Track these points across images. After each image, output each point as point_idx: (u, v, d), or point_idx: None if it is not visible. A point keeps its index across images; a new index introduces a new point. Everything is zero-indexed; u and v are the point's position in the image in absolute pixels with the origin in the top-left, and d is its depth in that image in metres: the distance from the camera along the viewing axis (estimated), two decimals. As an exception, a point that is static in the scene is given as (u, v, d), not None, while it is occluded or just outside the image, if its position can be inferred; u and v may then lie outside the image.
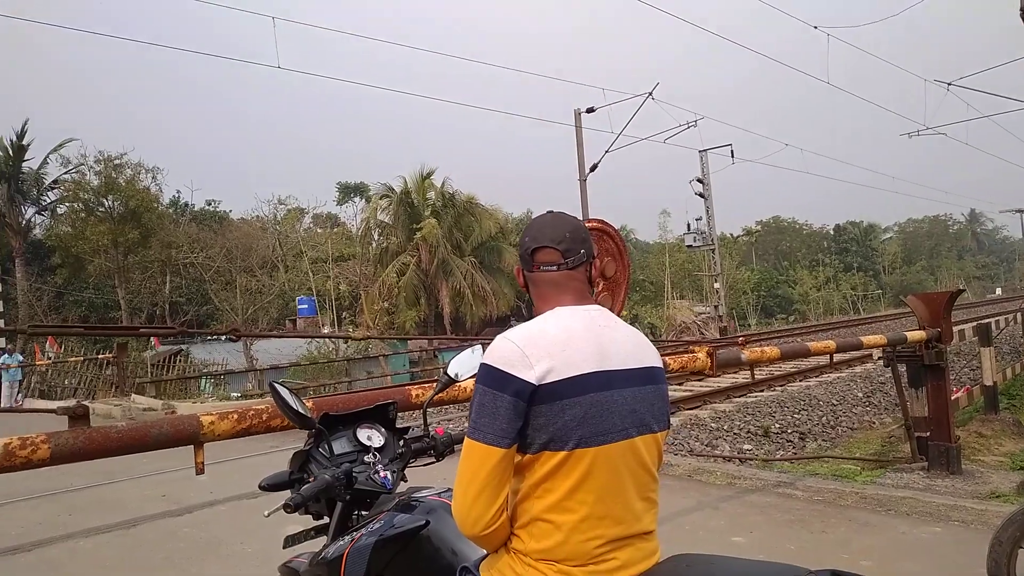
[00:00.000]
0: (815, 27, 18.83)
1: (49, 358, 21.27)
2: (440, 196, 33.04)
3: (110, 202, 28.06)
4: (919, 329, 6.55)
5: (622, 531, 1.54)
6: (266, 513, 1.82)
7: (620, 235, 4.82)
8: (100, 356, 20.32)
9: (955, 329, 8.92)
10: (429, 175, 33.10)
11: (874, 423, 10.62)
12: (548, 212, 1.79)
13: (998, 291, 63.88)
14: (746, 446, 8.94)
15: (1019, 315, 13.57)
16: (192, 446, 2.50)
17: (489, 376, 1.52)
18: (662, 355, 5.59)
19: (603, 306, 1.75)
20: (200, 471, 2.45)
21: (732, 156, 27.96)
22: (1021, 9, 14.23)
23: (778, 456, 8.39)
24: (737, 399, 11.83)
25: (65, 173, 30.16)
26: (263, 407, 2.60)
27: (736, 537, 4.74)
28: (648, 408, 1.60)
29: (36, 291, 29.40)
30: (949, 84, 19.90)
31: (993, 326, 11.32)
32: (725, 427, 9.76)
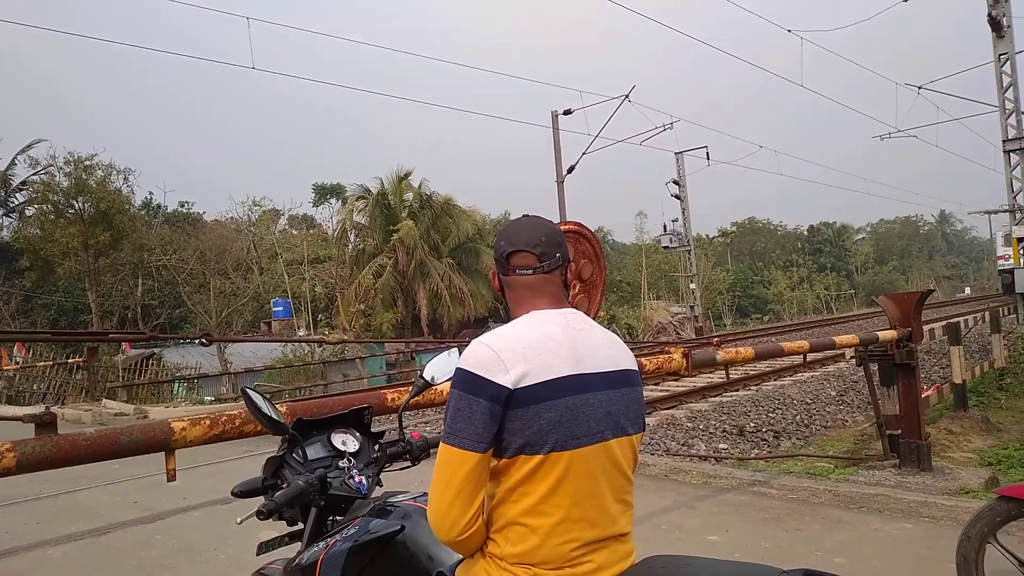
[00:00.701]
0: (789, 31, 19.10)
1: (16, 363, 20.85)
2: (417, 197, 32.89)
3: (80, 204, 27.55)
4: (890, 329, 6.65)
5: (597, 534, 1.54)
6: (239, 520, 1.80)
7: (596, 237, 4.84)
8: (70, 360, 19.95)
9: (925, 328, 9.07)
10: (406, 176, 32.96)
11: (847, 421, 10.77)
12: (524, 216, 1.79)
13: (967, 290, 65.10)
14: (721, 445, 9.01)
15: (987, 314, 13.84)
16: (163, 452, 2.46)
17: (464, 381, 1.52)
18: (638, 356, 5.61)
19: (579, 308, 1.75)
20: (172, 478, 2.41)
21: (708, 158, 28.23)
22: (988, 15, 14.54)
23: (753, 455, 8.47)
24: (712, 398, 11.93)
25: (34, 174, 29.55)
26: (236, 412, 2.57)
27: (712, 536, 4.78)
28: (623, 411, 1.61)
29: (4, 294, 28.82)
30: (920, 87, 20.28)
31: (962, 325, 11.53)
32: (701, 426, 9.83)
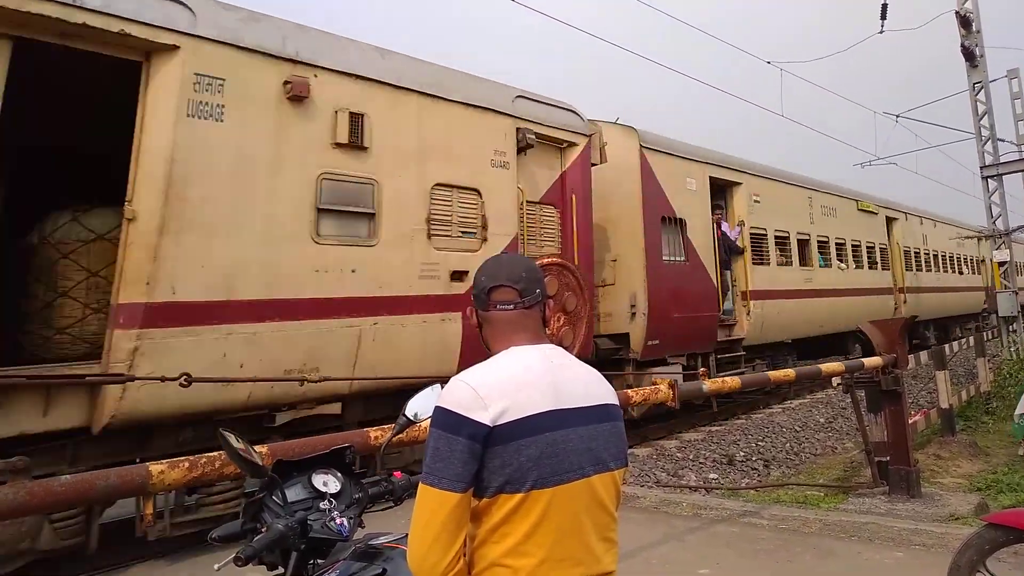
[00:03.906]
0: (768, 62, 19.45)
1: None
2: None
3: None
4: (876, 355, 6.68)
5: (581, 573, 1.53)
6: (216, 567, 1.76)
7: (580, 271, 4.86)
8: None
9: (910, 354, 9.12)
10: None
11: (836, 448, 10.74)
12: (503, 253, 1.81)
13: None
14: (712, 475, 8.95)
15: (971, 338, 13.95)
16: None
17: (443, 419, 1.51)
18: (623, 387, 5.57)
19: (565, 340, 1.76)
20: (149, 523, 2.36)
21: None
22: (961, 45, 14.91)
23: (743, 484, 8.42)
24: (702, 427, 11.88)
25: None
26: (216, 454, 2.53)
27: (703, 569, 4.72)
28: (604, 446, 1.61)
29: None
30: (897, 116, 20.68)
31: (947, 350, 11.60)
32: (691, 456, 9.77)
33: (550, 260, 4.91)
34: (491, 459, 1.48)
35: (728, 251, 12.32)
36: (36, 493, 2.16)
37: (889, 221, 19.01)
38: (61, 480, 2.25)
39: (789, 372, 6.07)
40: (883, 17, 16.24)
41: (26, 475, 2.16)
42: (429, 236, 6.89)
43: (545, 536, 1.49)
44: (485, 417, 1.48)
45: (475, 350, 4.67)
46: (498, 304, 1.69)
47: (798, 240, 14.37)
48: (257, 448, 2.16)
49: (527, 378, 1.56)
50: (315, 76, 6.12)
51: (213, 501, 5.39)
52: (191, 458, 2.47)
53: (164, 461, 2.43)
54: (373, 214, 6.46)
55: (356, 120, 6.34)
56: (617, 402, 1.71)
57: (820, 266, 15.05)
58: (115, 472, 2.33)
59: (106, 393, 4.77)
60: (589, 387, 1.65)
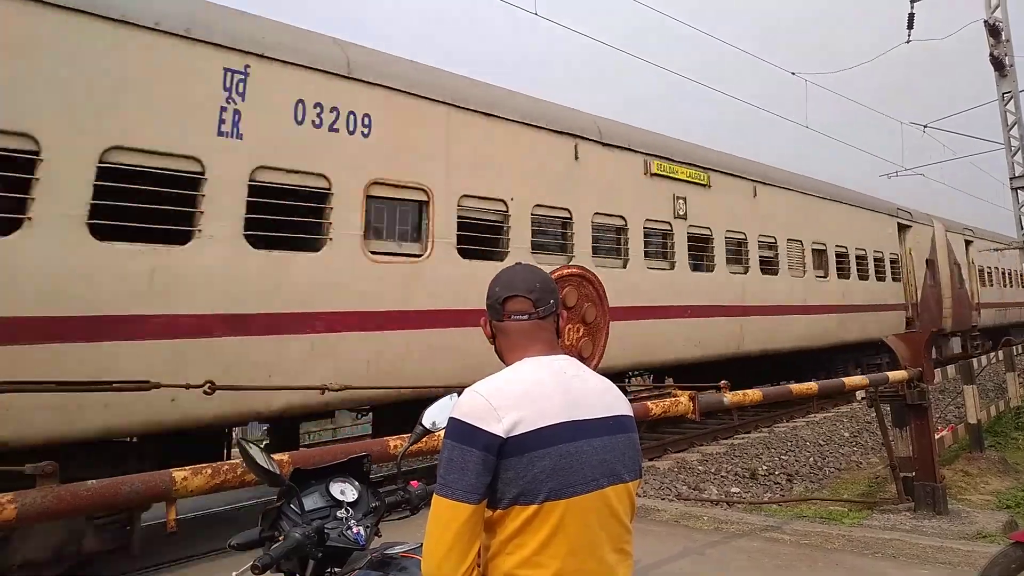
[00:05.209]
0: (793, 73, 19.36)
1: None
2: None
3: None
4: (901, 369, 6.59)
5: None
6: (234, 574, 1.79)
7: (599, 281, 4.85)
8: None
9: (937, 367, 8.97)
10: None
11: (860, 463, 10.58)
12: (517, 264, 1.82)
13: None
14: (733, 489, 8.87)
15: (1001, 352, 13.69)
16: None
17: (457, 430, 1.52)
18: (644, 398, 5.54)
19: (584, 351, 1.77)
20: (172, 528, 2.40)
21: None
22: (990, 55, 14.72)
23: (766, 499, 8.33)
24: (724, 440, 11.77)
25: None
26: (237, 461, 2.57)
27: (723, 584, 4.68)
28: (619, 457, 1.61)
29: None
30: (925, 127, 20.46)
31: (975, 364, 11.38)
32: (712, 470, 9.69)
33: (569, 271, 4.92)
34: (505, 471, 1.49)
35: None
36: (63, 497, 2.21)
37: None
38: (88, 485, 2.29)
39: (812, 386, 6.00)
40: (910, 27, 16.11)
41: (54, 479, 2.21)
42: None
43: (559, 548, 1.49)
44: (499, 428, 1.49)
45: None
46: (512, 314, 1.70)
47: None
48: (276, 456, 2.20)
49: (541, 389, 1.57)
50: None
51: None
52: (214, 465, 2.51)
53: (187, 468, 2.48)
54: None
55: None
56: (631, 413, 1.71)
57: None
58: (139, 478, 2.37)
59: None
60: (603, 398, 1.65)
